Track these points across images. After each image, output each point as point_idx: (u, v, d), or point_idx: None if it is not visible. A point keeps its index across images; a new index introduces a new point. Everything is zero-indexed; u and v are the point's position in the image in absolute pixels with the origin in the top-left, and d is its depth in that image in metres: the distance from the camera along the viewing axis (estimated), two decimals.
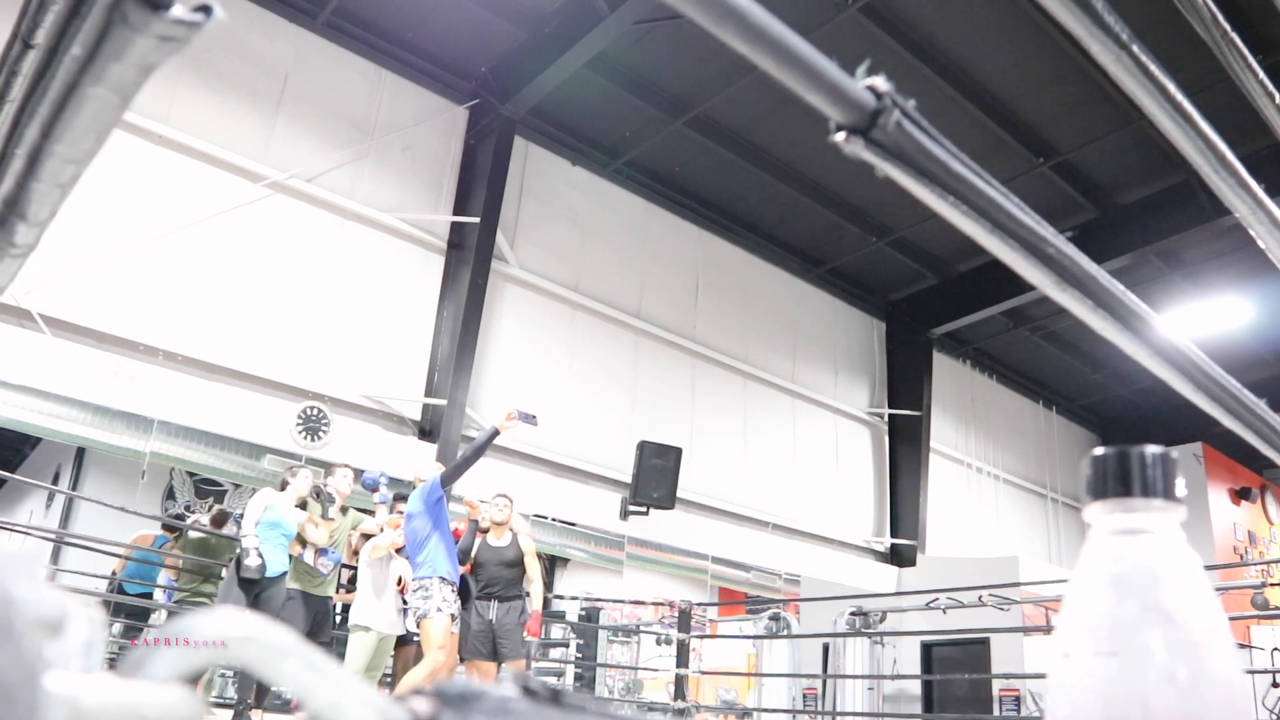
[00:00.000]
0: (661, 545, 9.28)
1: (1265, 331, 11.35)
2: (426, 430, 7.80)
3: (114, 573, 7.72)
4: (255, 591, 5.31)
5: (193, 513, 9.72)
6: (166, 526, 7.99)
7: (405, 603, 5.72)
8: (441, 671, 5.11)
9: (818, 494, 10.82)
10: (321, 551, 5.67)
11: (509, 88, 8.27)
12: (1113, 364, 12.76)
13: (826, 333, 11.54)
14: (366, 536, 6.05)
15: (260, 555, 5.28)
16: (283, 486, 5.66)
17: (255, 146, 7.33)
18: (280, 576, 5.43)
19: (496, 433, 5.37)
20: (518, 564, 5.74)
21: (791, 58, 0.52)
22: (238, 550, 5.44)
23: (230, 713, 5.48)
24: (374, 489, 6.21)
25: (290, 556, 5.55)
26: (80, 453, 9.31)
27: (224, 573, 7.25)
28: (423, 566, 5.22)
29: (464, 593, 5.61)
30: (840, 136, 0.56)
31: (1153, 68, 1.02)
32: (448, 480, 5.29)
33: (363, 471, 6.33)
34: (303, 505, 5.72)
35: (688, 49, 7.96)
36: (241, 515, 7.36)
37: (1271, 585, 6.70)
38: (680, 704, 7.54)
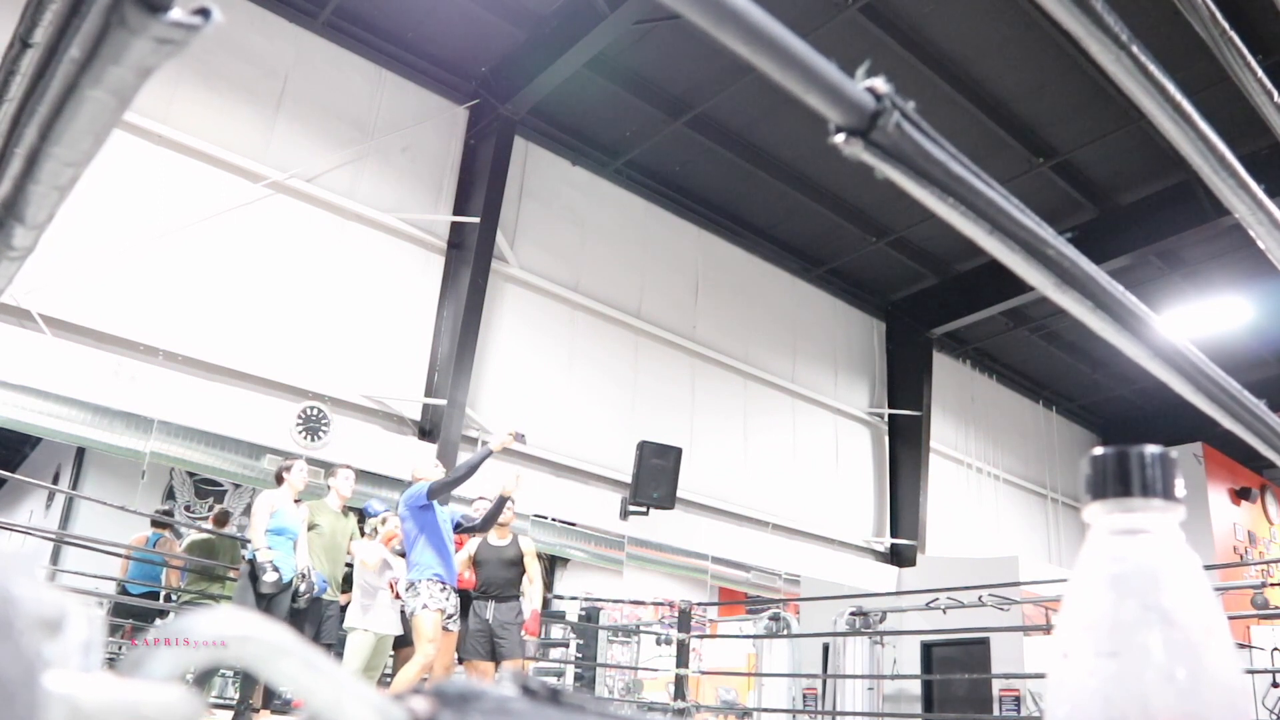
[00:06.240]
0: (661, 545, 9.28)
1: (1265, 331, 11.34)
2: (426, 430, 7.80)
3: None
4: (270, 598, 5.31)
5: (192, 513, 9.72)
6: (156, 523, 7.96)
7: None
8: (434, 666, 5.12)
9: (817, 494, 10.82)
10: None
11: (509, 88, 8.27)
12: (1113, 364, 12.75)
13: (826, 333, 11.53)
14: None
15: (276, 569, 5.25)
16: (278, 480, 5.63)
17: (255, 146, 7.33)
18: (291, 582, 5.41)
19: (490, 453, 5.36)
20: (517, 564, 5.75)
21: (791, 59, 0.52)
22: (249, 558, 5.39)
23: (230, 713, 5.47)
24: (371, 517, 6.25)
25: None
26: (80, 453, 9.31)
27: (230, 572, 7.27)
28: (414, 568, 5.25)
29: (463, 593, 5.61)
30: (840, 138, 0.56)
31: (1152, 68, 1.02)
32: (435, 494, 5.26)
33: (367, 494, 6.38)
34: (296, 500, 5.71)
35: (688, 49, 7.96)
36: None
37: (1271, 585, 6.69)
38: (680, 704, 7.53)
